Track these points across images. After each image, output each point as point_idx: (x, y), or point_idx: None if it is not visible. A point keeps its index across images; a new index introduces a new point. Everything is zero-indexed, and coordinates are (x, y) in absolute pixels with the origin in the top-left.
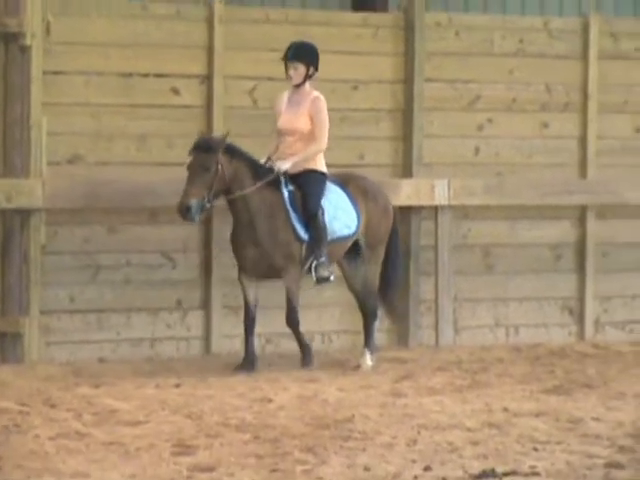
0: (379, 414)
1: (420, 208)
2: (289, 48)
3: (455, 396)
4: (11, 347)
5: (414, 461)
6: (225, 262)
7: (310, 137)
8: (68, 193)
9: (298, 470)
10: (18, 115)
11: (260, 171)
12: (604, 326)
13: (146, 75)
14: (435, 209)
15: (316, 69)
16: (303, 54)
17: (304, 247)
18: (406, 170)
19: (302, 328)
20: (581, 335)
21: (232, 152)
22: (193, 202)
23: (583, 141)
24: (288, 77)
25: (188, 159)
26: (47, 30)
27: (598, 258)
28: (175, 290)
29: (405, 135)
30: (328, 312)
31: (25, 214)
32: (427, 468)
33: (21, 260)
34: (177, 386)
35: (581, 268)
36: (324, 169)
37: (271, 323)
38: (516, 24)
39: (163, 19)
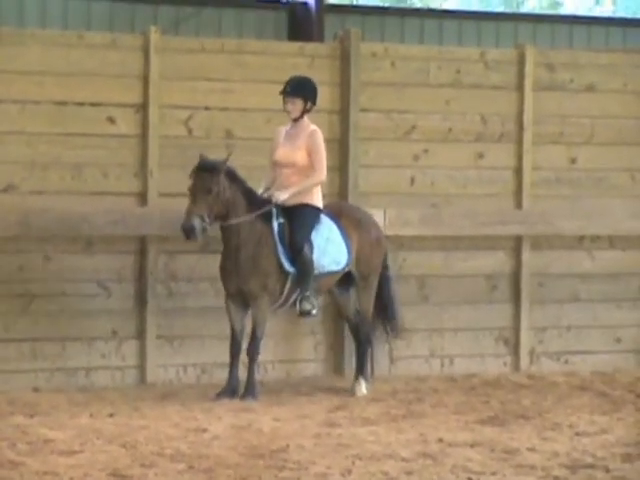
0: (314, 444)
1: None
2: (287, 83)
3: (390, 426)
4: None
5: None
6: (160, 292)
7: (306, 170)
8: (2, 222)
9: None
10: None
11: (255, 200)
12: (539, 357)
13: (81, 104)
14: None
15: (314, 103)
16: (301, 89)
17: (290, 279)
18: (342, 199)
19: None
20: (516, 366)
21: (231, 177)
22: (197, 222)
23: (518, 172)
24: (286, 111)
25: (190, 181)
26: None
27: (533, 288)
28: (110, 320)
29: (341, 165)
30: (263, 342)
31: None
32: None
33: None
34: (112, 416)
35: (516, 298)
36: (319, 204)
37: (207, 353)
38: (452, 55)
39: (99, 48)
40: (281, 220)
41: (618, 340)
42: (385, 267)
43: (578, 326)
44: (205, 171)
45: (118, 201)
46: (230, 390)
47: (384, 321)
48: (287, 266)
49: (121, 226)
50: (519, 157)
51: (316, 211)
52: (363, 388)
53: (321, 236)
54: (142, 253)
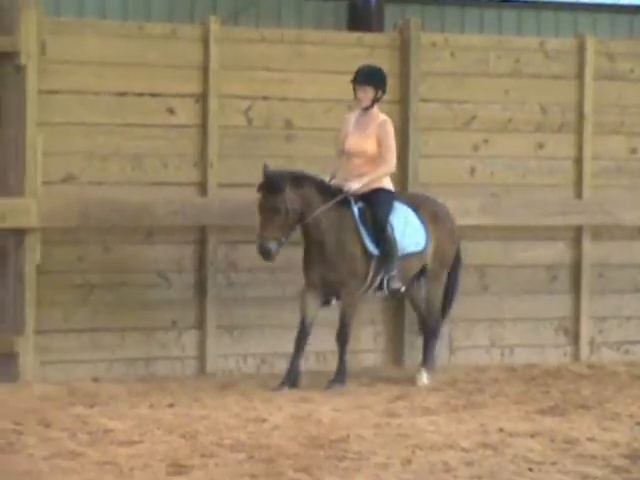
0: (374, 434)
1: None
2: (358, 72)
3: (450, 416)
4: (5, 367)
5: None
6: (220, 282)
7: (376, 159)
8: (63, 212)
9: None
10: (13, 135)
11: (328, 192)
12: (599, 347)
13: (141, 95)
14: None
15: (384, 92)
16: (372, 78)
17: (374, 262)
18: (402, 190)
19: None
20: (576, 356)
21: (298, 183)
22: (273, 245)
23: (578, 162)
24: (357, 100)
25: (258, 198)
26: (42, 49)
27: (593, 279)
28: (170, 310)
29: (401, 155)
30: (323, 332)
31: (20, 234)
32: None
33: (16, 279)
34: (171, 406)
35: (576, 289)
36: (391, 187)
37: (267, 343)
38: (512, 44)
39: (158, 39)
40: (360, 204)
41: None
42: (458, 259)
43: (638, 316)
44: (269, 191)
45: (178, 191)
46: (290, 380)
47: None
48: (371, 248)
49: (181, 216)
50: (579, 147)
51: (391, 194)
52: (424, 378)
53: (399, 219)
54: (202, 243)
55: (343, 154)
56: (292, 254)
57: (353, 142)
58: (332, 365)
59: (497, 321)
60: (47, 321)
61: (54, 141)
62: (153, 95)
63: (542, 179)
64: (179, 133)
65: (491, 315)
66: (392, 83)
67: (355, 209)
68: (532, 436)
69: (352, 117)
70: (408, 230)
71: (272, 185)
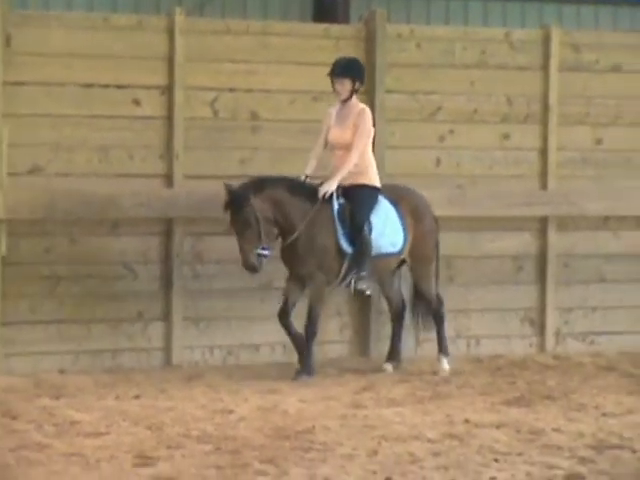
0: (340, 425)
1: None
2: (335, 64)
3: (416, 407)
4: None
5: (375, 472)
6: (186, 274)
7: None
8: (29, 204)
9: None
10: None
11: (302, 191)
12: (565, 337)
13: (107, 86)
14: None
15: (362, 83)
16: (349, 69)
17: (347, 260)
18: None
19: (262, 339)
20: (542, 346)
21: (263, 189)
22: (254, 258)
23: (544, 153)
24: (335, 92)
25: (227, 217)
26: (7, 41)
27: (559, 269)
28: (136, 302)
29: None
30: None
31: None
32: (388, 479)
33: None
34: (138, 397)
35: (542, 279)
36: (377, 183)
37: (233, 335)
38: (478, 35)
39: (124, 30)
40: (341, 200)
41: None
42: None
43: (604, 307)
44: (236, 205)
45: (144, 183)
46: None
47: (416, 301)
48: (345, 246)
49: (147, 208)
50: (544, 138)
51: (375, 191)
52: (445, 365)
53: (379, 217)
54: (168, 235)
55: (326, 147)
56: None
57: (334, 135)
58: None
59: (463, 312)
60: (13, 313)
61: (20, 132)
62: (119, 87)
63: (508, 170)
64: (145, 125)
65: (457, 306)
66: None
67: (335, 205)
68: (498, 427)
69: (334, 111)
70: (387, 230)
71: (236, 200)
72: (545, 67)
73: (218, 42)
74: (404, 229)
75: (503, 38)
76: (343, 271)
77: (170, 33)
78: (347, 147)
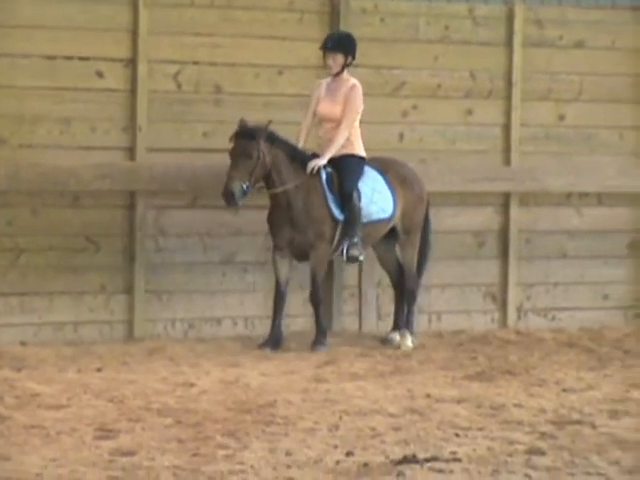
0: (301, 399)
1: None
2: (327, 38)
3: (377, 382)
4: None
5: (336, 446)
6: (148, 247)
7: None
8: None
9: (219, 455)
10: None
11: (298, 158)
12: (526, 313)
13: (70, 58)
14: None
15: (354, 58)
16: (341, 44)
17: (339, 227)
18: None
19: (224, 313)
20: (503, 322)
21: (273, 140)
22: (237, 187)
23: (507, 128)
24: (327, 66)
25: (230, 145)
26: None
27: (521, 245)
28: (98, 274)
29: None
30: (251, 297)
31: None
32: (349, 453)
33: None
34: (99, 370)
35: (504, 255)
36: (362, 153)
37: (195, 308)
38: (441, 10)
39: (88, 2)
40: (328, 169)
41: (605, 297)
42: (427, 222)
43: (565, 283)
44: (245, 137)
45: (106, 156)
46: (272, 341)
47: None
48: (337, 214)
49: (109, 181)
50: (508, 114)
51: (361, 161)
52: (409, 342)
53: (367, 185)
54: (131, 208)
55: (314, 118)
56: (219, 219)
57: (323, 107)
58: (260, 330)
59: (424, 287)
60: None
61: None
62: (82, 59)
63: (471, 145)
64: (108, 97)
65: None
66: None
67: (323, 174)
68: (459, 402)
69: (324, 83)
70: (375, 197)
71: (247, 132)
72: (509, 43)
73: (182, 15)
74: (393, 195)
75: (467, 14)
76: (336, 239)
77: (134, 5)
78: (336, 121)
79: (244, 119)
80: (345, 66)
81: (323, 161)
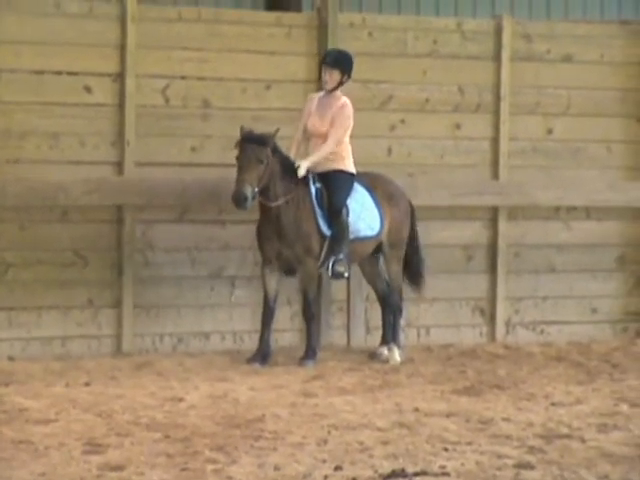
0: (290, 414)
1: None
2: (328, 54)
3: (366, 396)
4: None
5: (324, 461)
6: (137, 261)
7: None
8: None
9: (208, 469)
10: None
11: (289, 170)
12: (515, 327)
13: (59, 73)
14: None
15: (349, 77)
16: (341, 62)
17: (326, 243)
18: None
19: (212, 328)
20: (492, 336)
21: (275, 150)
22: (249, 191)
23: (495, 142)
24: (322, 82)
25: (237, 150)
26: None
27: (509, 259)
28: (87, 289)
29: None
30: (239, 312)
31: None
32: (337, 468)
33: None
34: (87, 385)
35: (492, 269)
36: (352, 170)
37: (183, 323)
38: (430, 25)
39: (75, 17)
40: (318, 185)
41: (594, 311)
42: (415, 238)
43: (554, 296)
44: (255, 142)
45: (95, 170)
46: (261, 355)
47: (411, 284)
48: (324, 229)
49: (98, 195)
50: (496, 128)
51: (350, 177)
52: (396, 355)
53: (356, 201)
54: (119, 222)
55: (305, 133)
56: (208, 234)
57: (313, 123)
58: (249, 345)
59: (413, 301)
60: None
61: None
62: (70, 73)
63: (459, 159)
64: (96, 112)
65: (407, 294)
66: (310, 63)
67: (313, 189)
68: (447, 416)
69: (316, 97)
70: (364, 214)
71: (258, 138)
72: (497, 57)
73: (170, 29)
74: (380, 213)
75: (455, 28)
76: (323, 254)
77: (122, 20)
78: (323, 137)
79: (245, 127)
80: (340, 84)
81: (306, 164)
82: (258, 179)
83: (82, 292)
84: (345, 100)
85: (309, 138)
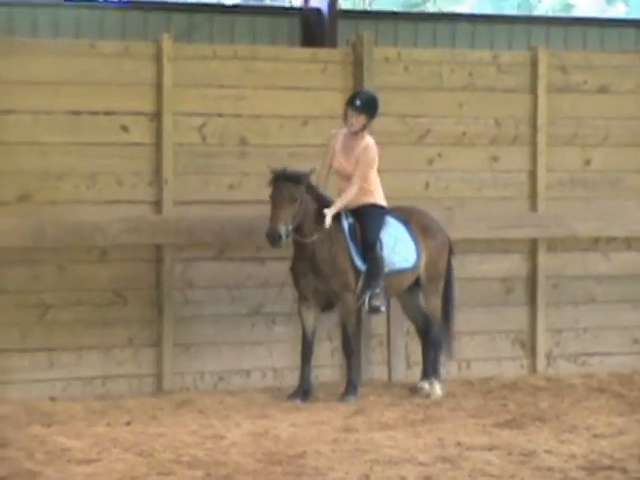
0: (331, 450)
1: None
2: (356, 97)
3: (408, 431)
4: None
5: None
6: (176, 300)
7: None
8: (17, 232)
9: None
10: None
11: (322, 207)
12: (556, 359)
13: (95, 113)
14: None
15: (373, 119)
16: (368, 106)
17: (361, 278)
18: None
19: (253, 365)
20: (533, 368)
21: (310, 189)
22: (283, 229)
23: (533, 174)
24: (347, 123)
25: (271, 188)
26: None
27: (549, 291)
28: (127, 328)
29: None
30: (279, 348)
31: None
32: None
33: None
34: (129, 424)
35: (532, 301)
36: (383, 202)
37: (224, 360)
38: (465, 58)
39: (111, 56)
40: (350, 220)
41: (635, 341)
42: (450, 272)
43: (594, 327)
44: (291, 181)
45: (133, 209)
46: (302, 392)
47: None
48: (359, 264)
49: (136, 235)
50: (533, 159)
51: (381, 210)
52: (438, 389)
53: (390, 235)
54: (158, 261)
55: (330, 169)
56: (247, 271)
57: (339, 163)
58: (289, 381)
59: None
60: (3, 341)
61: (8, 161)
62: (107, 113)
63: (497, 192)
64: (134, 151)
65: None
66: (346, 98)
67: (345, 224)
68: (490, 449)
69: (340, 135)
70: (398, 247)
71: (293, 177)
72: (533, 89)
73: (206, 67)
74: (416, 245)
75: (491, 60)
76: (358, 289)
77: (158, 59)
78: (349, 177)
79: (276, 168)
80: (365, 127)
81: (332, 211)
82: (292, 217)
83: (122, 331)
84: (369, 141)
85: (337, 176)
